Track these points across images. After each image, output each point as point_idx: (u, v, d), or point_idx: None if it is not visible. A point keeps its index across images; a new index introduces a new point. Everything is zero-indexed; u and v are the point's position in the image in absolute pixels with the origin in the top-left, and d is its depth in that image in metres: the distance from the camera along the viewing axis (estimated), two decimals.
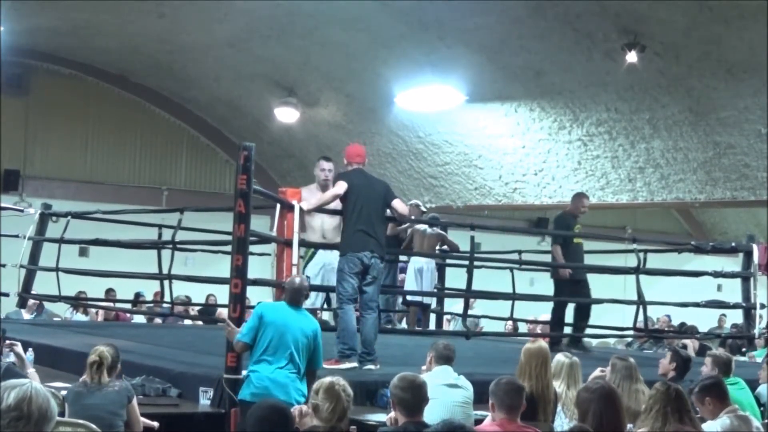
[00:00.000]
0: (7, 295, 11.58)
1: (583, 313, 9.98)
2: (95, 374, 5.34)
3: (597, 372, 6.34)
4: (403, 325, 11.17)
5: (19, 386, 2.49)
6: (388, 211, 7.84)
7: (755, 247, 10.52)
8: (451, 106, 14.32)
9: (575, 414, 4.86)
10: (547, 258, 12.13)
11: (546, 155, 14.46)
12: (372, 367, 7.21)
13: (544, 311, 12.75)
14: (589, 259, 11.61)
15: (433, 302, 11.28)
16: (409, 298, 10.83)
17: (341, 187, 7.38)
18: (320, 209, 7.78)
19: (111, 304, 12.93)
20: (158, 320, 12.95)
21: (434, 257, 10.74)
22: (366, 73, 14.44)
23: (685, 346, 12.24)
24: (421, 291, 10.52)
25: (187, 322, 12.70)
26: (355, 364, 7.16)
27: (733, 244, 11.40)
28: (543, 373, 5.65)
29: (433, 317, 11.44)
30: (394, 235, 10.50)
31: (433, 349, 5.90)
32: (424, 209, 11.49)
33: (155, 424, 5.66)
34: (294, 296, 5.98)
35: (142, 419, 5.53)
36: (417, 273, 10.56)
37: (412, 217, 10.42)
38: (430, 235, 10.64)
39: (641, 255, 10.29)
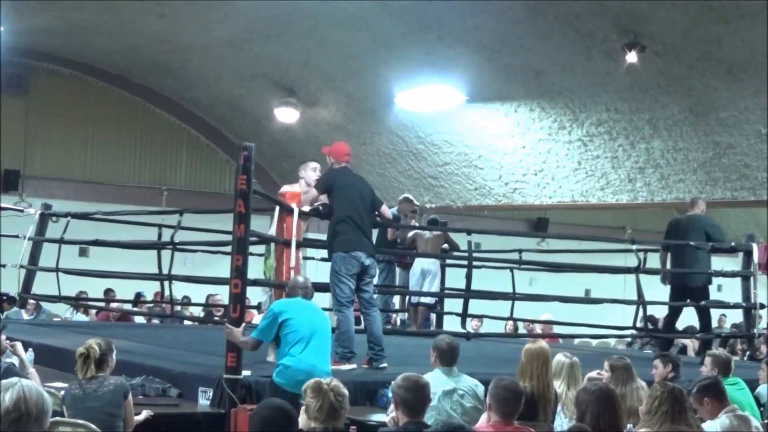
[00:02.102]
0: (7, 295, 11.59)
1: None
2: (83, 366, 5.37)
3: (593, 373, 6.35)
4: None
5: (11, 387, 2.48)
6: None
7: (755, 247, 10.51)
8: (451, 106, 14.30)
9: (575, 414, 4.86)
10: (547, 258, 12.15)
11: (546, 155, 14.45)
12: (385, 364, 7.22)
13: (543, 311, 12.76)
14: (589, 259, 11.66)
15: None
16: (415, 299, 10.82)
17: (318, 191, 7.52)
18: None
19: (112, 305, 12.92)
20: (156, 320, 12.94)
21: (434, 257, 10.73)
22: (366, 73, 14.43)
23: (685, 346, 12.26)
24: (426, 292, 10.51)
25: (187, 322, 12.70)
26: (354, 366, 7.17)
27: (733, 243, 11.40)
28: (544, 373, 5.65)
29: (432, 317, 11.44)
30: (393, 240, 10.53)
31: (436, 347, 5.85)
32: (417, 203, 11.49)
33: (143, 416, 5.67)
34: (307, 292, 6.33)
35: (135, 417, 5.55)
36: (422, 274, 10.56)
37: (411, 220, 10.45)
38: (434, 236, 10.63)
39: (641, 255, 10.30)
